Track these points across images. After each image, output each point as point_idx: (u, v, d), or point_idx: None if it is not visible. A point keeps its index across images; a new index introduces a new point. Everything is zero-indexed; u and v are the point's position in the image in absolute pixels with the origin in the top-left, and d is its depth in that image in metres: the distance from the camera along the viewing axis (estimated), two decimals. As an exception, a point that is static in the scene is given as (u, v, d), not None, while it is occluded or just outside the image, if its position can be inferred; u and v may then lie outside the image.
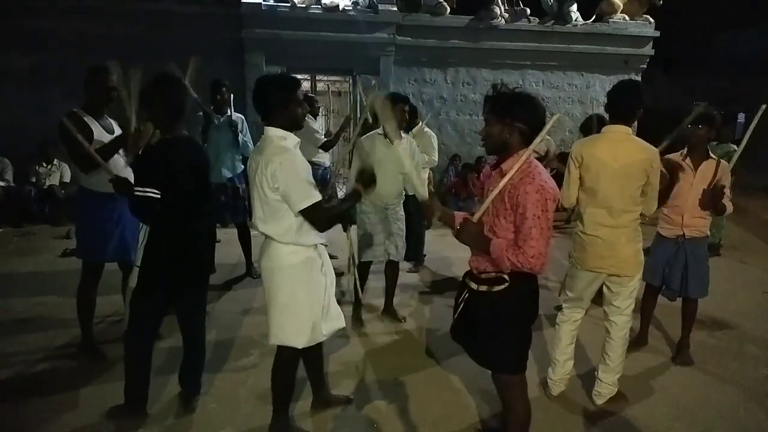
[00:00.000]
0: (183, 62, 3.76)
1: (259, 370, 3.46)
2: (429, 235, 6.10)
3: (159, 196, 2.55)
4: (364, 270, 4.35)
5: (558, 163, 4.60)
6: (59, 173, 7.66)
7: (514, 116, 2.11)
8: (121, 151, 3.40)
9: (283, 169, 2.32)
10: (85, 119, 3.32)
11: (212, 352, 3.65)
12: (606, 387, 3.14)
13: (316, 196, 2.41)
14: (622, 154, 2.85)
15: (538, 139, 2.08)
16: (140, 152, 2.86)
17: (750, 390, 3.45)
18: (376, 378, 3.48)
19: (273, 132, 2.45)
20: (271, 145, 2.40)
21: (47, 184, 7.51)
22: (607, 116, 3.18)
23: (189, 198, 2.72)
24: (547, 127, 2.09)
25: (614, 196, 2.87)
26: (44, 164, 7.58)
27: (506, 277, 2.17)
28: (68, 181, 7.60)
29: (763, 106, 3.40)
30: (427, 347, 3.91)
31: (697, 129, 3.47)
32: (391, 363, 3.68)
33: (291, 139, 2.48)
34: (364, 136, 4.12)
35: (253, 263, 5.35)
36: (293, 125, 2.51)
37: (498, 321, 2.22)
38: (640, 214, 2.99)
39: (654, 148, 2.98)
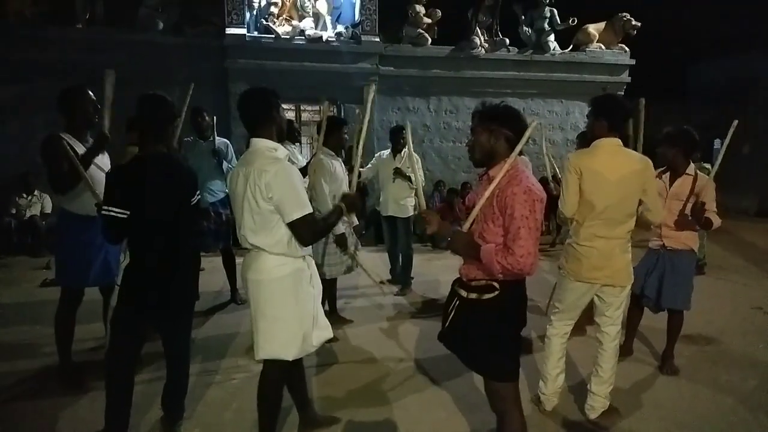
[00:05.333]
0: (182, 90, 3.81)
1: (244, 393, 3.36)
2: (416, 259, 6.10)
3: (125, 216, 2.49)
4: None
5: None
6: (40, 204, 7.57)
7: (500, 123, 2.20)
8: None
9: (278, 179, 2.31)
10: (69, 141, 3.28)
11: (195, 377, 3.53)
12: (599, 400, 3.09)
13: (309, 208, 2.41)
14: (618, 167, 2.88)
15: (521, 144, 2.15)
16: (109, 171, 2.82)
17: (741, 400, 3.43)
18: (365, 399, 3.39)
19: (262, 143, 2.45)
20: (262, 156, 2.39)
21: (28, 215, 7.40)
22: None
23: (162, 215, 2.64)
24: (528, 132, 2.17)
25: (612, 208, 2.88)
26: (25, 195, 7.49)
27: (496, 285, 2.16)
28: (49, 212, 7.50)
29: (735, 122, 3.54)
30: None
31: (662, 149, 3.64)
32: (379, 384, 3.61)
33: (281, 150, 2.48)
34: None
35: (237, 289, 5.26)
36: (279, 136, 2.51)
37: (489, 328, 2.20)
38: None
39: (648, 158, 3.01)
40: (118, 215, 2.48)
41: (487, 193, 2.13)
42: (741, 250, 8.26)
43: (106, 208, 2.50)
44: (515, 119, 2.22)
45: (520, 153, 2.29)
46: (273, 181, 2.30)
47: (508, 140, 2.19)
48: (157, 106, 2.67)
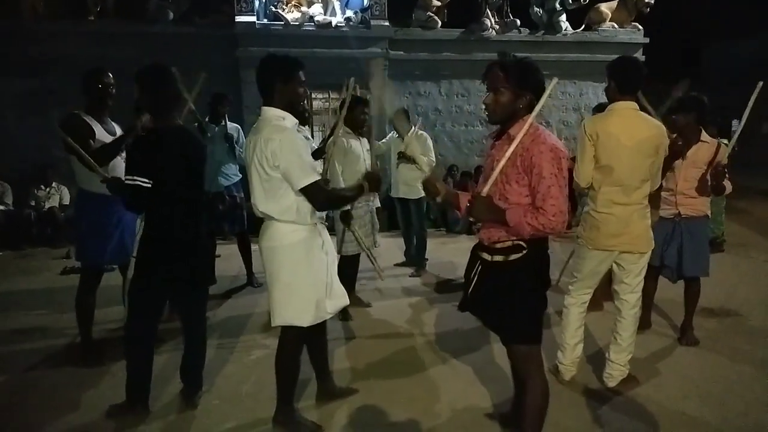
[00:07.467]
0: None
1: (262, 367, 3.39)
2: (430, 243, 6.10)
3: (149, 185, 2.55)
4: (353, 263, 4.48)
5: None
6: (58, 196, 7.65)
7: (526, 86, 2.13)
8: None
9: (283, 147, 2.31)
10: (86, 119, 3.34)
11: (214, 352, 3.60)
12: (617, 368, 3.07)
13: (316, 175, 2.41)
14: (634, 131, 2.85)
15: (540, 104, 2.09)
16: (130, 142, 2.89)
17: (762, 366, 3.39)
18: (383, 371, 3.42)
19: (271, 112, 2.46)
20: (269, 125, 2.40)
21: (47, 206, 7.49)
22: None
23: (180, 185, 2.70)
24: (548, 91, 2.11)
25: (629, 173, 2.85)
26: (43, 187, 7.57)
27: (524, 244, 2.12)
28: (67, 203, 7.58)
29: (761, 83, 3.44)
30: None
31: (674, 118, 3.57)
32: (396, 357, 3.63)
33: (289, 120, 2.48)
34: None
35: (253, 273, 5.30)
36: (292, 106, 2.51)
37: (517, 289, 2.15)
38: None
39: (662, 125, 2.99)
40: (143, 184, 2.53)
41: (508, 153, 2.04)
42: (760, 228, 8.13)
43: (130, 177, 2.54)
44: (538, 79, 2.15)
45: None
46: (279, 150, 2.31)
47: (530, 102, 2.14)
48: (154, 73, 2.72)
